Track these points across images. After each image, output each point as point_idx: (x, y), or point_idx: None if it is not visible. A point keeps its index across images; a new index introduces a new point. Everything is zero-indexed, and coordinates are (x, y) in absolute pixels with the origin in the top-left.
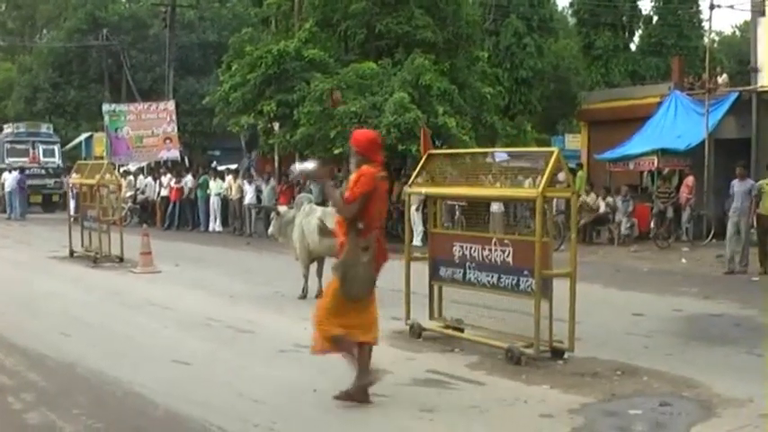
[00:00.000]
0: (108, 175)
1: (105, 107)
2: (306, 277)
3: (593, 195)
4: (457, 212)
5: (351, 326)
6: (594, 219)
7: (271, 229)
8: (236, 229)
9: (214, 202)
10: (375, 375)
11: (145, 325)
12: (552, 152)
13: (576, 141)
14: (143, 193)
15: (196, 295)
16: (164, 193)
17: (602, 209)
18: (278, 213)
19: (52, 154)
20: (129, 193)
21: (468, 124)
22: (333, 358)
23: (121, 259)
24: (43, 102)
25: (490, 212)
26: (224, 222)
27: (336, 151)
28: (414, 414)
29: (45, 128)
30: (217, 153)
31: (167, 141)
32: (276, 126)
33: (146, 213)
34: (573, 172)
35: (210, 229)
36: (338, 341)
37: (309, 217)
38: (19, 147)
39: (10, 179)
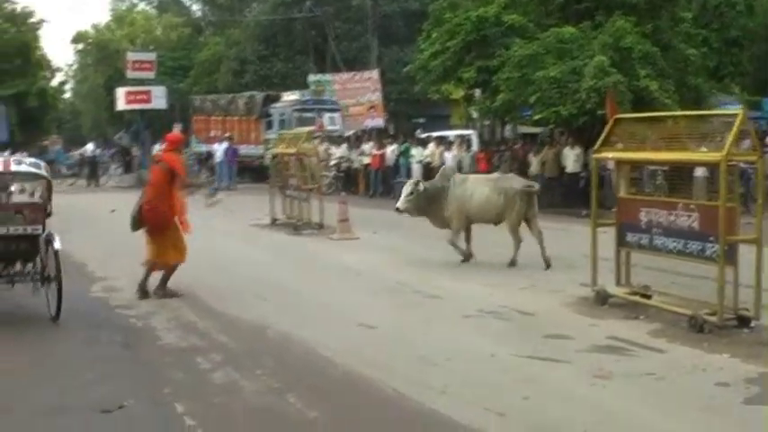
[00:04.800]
0: (307, 144)
1: (311, 78)
2: (455, 244)
3: None
4: (659, 177)
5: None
6: None
7: (403, 204)
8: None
9: (416, 170)
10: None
11: (337, 290)
12: (737, 114)
13: None
14: (348, 161)
15: (390, 261)
16: (365, 161)
17: None
18: (416, 185)
19: (335, 122)
20: (333, 162)
21: (671, 87)
22: (515, 326)
23: (321, 226)
24: (251, 74)
25: (693, 177)
26: None
27: (536, 117)
28: (588, 380)
29: (328, 95)
30: (421, 120)
31: (372, 110)
32: (477, 93)
33: (349, 181)
34: None
35: None
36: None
37: (464, 185)
38: (306, 115)
39: (220, 150)
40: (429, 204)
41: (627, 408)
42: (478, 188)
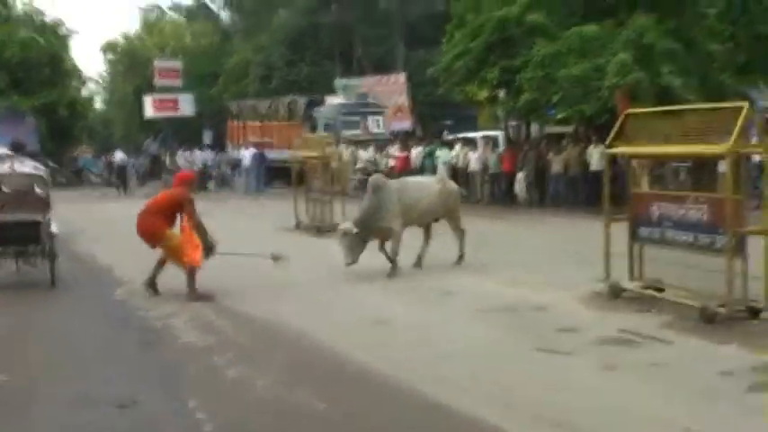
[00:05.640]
0: (329, 148)
1: (338, 82)
2: (396, 253)
3: None
4: (681, 173)
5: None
6: None
7: (347, 257)
8: (463, 195)
9: (441, 171)
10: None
11: (354, 289)
12: (741, 108)
13: None
14: (374, 164)
15: (406, 260)
16: (391, 163)
17: None
18: (344, 234)
19: (380, 125)
20: (359, 165)
21: (694, 83)
22: (528, 321)
23: None
24: (278, 79)
25: (718, 173)
26: None
27: (559, 116)
28: (594, 372)
29: (371, 98)
30: (448, 122)
31: (399, 113)
32: (501, 93)
33: None
34: None
35: None
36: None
37: (407, 192)
38: (351, 119)
39: (247, 155)
40: (370, 229)
41: (631, 397)
42: (425, 190)
